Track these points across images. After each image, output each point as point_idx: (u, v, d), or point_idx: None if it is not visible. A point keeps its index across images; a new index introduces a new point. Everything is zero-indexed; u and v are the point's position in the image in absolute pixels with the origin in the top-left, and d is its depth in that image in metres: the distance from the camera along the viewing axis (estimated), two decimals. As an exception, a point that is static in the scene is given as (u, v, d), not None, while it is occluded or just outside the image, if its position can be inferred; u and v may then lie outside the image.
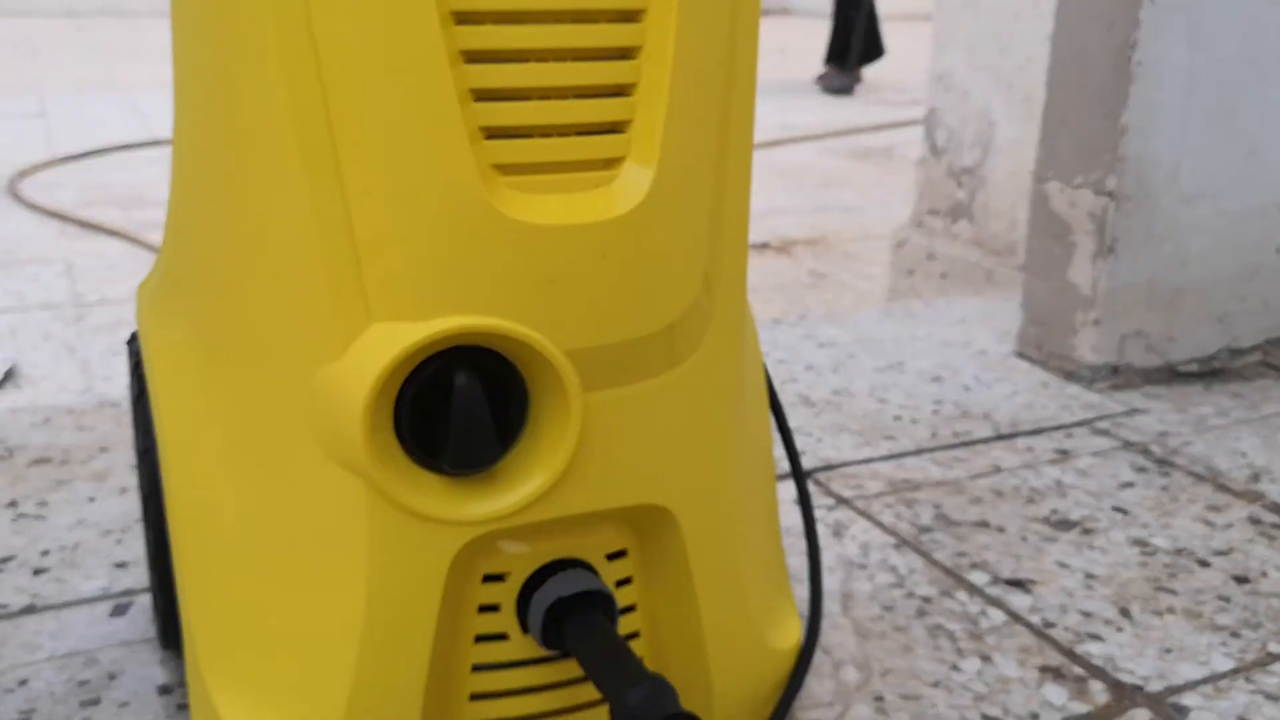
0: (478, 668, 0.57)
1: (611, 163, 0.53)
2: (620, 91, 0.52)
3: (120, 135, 3.69)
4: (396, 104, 0.48)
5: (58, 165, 3.25)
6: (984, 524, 0.90)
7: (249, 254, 0.53)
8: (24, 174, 3.06)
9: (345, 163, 0.49)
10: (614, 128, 0.52)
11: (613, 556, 0.58)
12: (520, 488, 0.53)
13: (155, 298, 0.63)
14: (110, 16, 6.14)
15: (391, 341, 0.50)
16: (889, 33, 5.64)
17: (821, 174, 3.58)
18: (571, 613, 0.55)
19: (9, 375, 1.74)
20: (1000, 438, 1.07)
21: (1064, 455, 1.03)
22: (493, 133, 0.50)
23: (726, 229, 0.57)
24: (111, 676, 0.68)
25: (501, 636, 0.56)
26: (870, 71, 5.59)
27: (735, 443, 0.60)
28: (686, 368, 0.56)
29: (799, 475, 0.69)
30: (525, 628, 0.56)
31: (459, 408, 0.51)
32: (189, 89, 0.56)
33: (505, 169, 0.51)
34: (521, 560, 0.56)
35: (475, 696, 0.57)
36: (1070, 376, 1.21)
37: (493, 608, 0.56)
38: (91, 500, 0.90)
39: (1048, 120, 1.19)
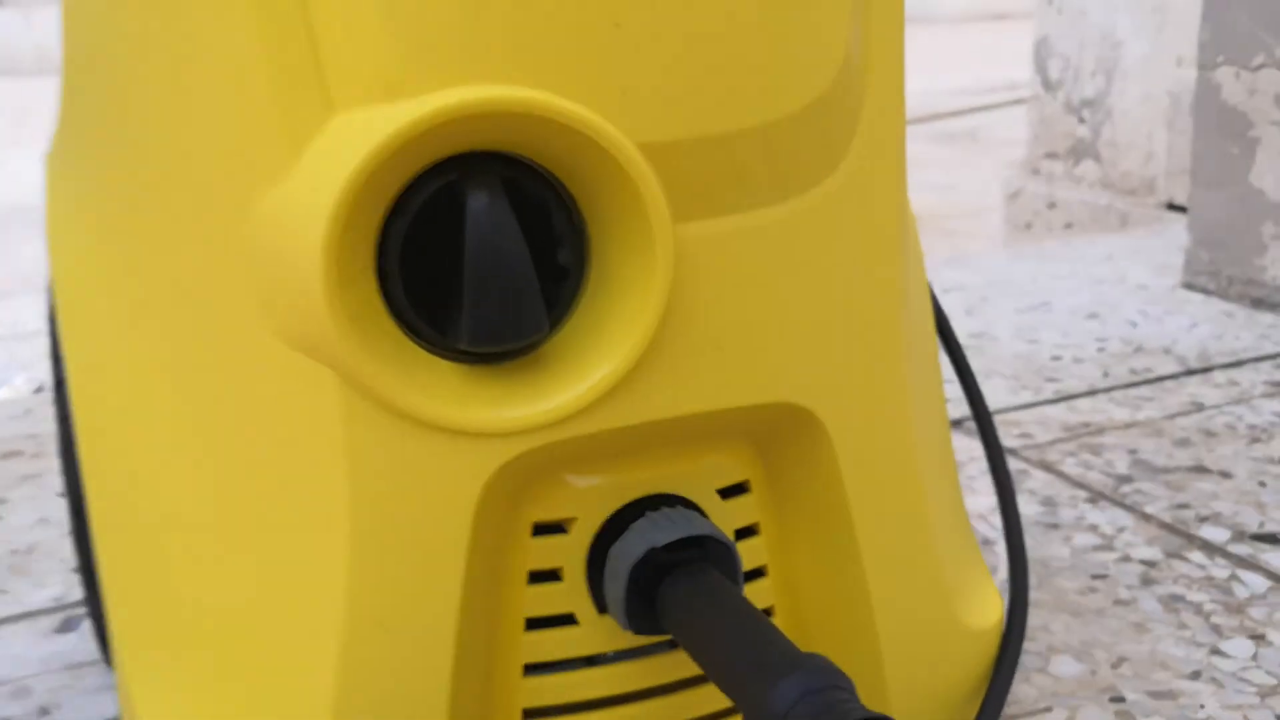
0: (532, 669, 0.37)
1: None
2: None
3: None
4: None
5: None
6: (1201, 469, 0.68)
7: (151, 42, 0.35)
8: None
9: None
10: None
11: (728, 493, 0.38)
12: (581, 377, 0.34)
13: (62, 168, 0.44)
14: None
15: (363, 134, 0.31)
16: (958, 34, 5.37)
17: (903, 158, 3.36)
18: (670, 572, 0.35)
19: (39, 391, 1.59)
20: (1191, 373, 0.85)
21: (1279, 387, 0.81)
22: None
23: (877, -21, 0.37)
24: (44, 712, 0.50)
25: (566, 620, 0.37)
26: (935, 81, 5.27)
27: (901, 316, 0.40)
28: (830, 188, 0.36)
29: (980, 409, 0.48)
30: (601, 605, 0.37)
31: (478, 244, 0.31)
32: None
33: None
34: (591, 499, 0.36)
35: (531, 715, 0.37)
36: (1259, 304, 0.98)
37: (550, 575, 0.36)
38: (62, 495, 0.72)
39: (1212, -6, 0.98)
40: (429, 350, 0.33)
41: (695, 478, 0.38)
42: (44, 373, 1.65)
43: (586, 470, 0.36)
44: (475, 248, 0.31)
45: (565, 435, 0.34)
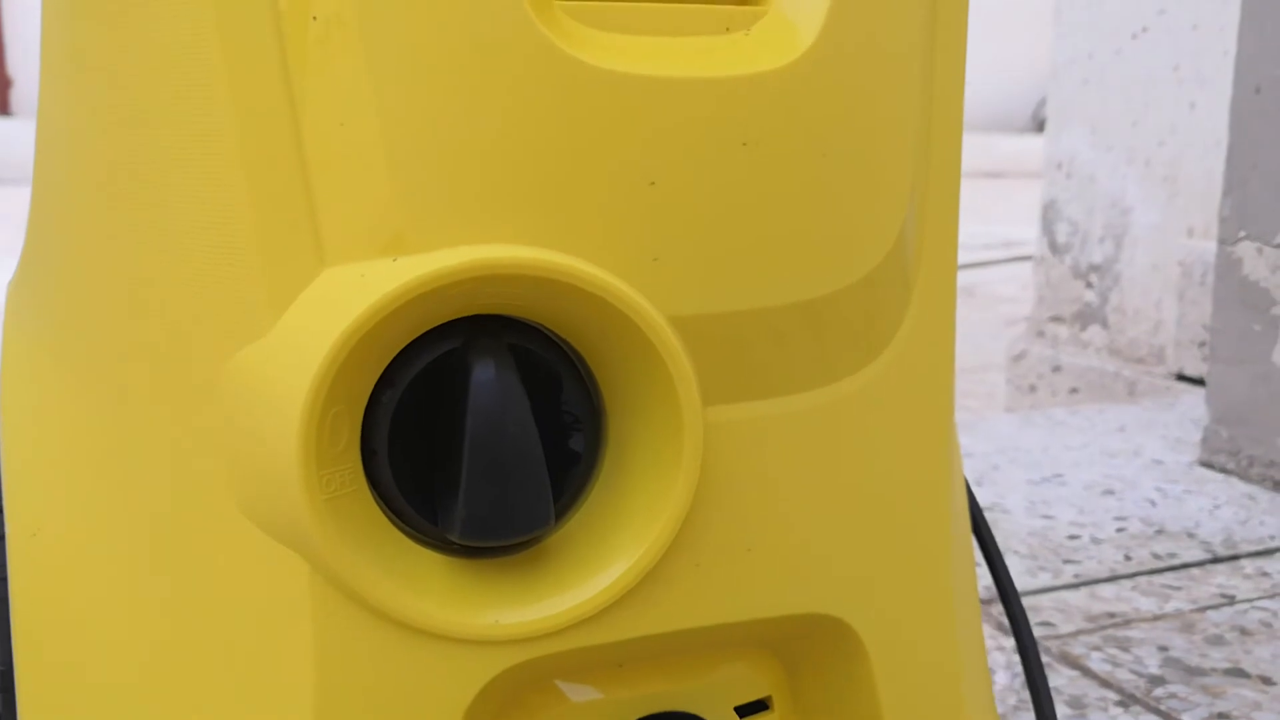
0: None
1: (750, -4, 0.30)
2: None
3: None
4: None
5: None
6: (1239, 673, 0.63)
7: (128, 171, 0.31)
8: None
9: (276, -32, 0.27)
10: (754, -65, 0.30)
11: (747, 711, 0.34)
12: (589, 578, 0.29)
13: (24, 298, 0.40)
14: None
15: (357, 291, 0.27)
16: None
17: (899, 310, 3.35)
18: (683, 814, 0.30)
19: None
20: (1218, 560, 0.80)
21: (1313, 583, 0.77)
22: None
23: (936, 144, 0.34)
24: None
25: None
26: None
27: (950, 517, 0.36)
28: (878, 371, 0.32)
29: (1016, 620, 0.44)
30: (598, 840, 0.31)
31: (481, 422, 0.27)
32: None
33: (565, -9, 0.28)
34: (589, 717, 0.32)
35: None
36: (1282, 488, 0.95)
37: (540, 802, 0.31)
38: None
39: (1233, 168, 0.96)
40: (416, 540, 0.29)
41: (710, 693, 0.33)
42: None
43: (585, 681, 0.32)
44: (477, 426, 0.27)
45: (568, 646, 0.29)
